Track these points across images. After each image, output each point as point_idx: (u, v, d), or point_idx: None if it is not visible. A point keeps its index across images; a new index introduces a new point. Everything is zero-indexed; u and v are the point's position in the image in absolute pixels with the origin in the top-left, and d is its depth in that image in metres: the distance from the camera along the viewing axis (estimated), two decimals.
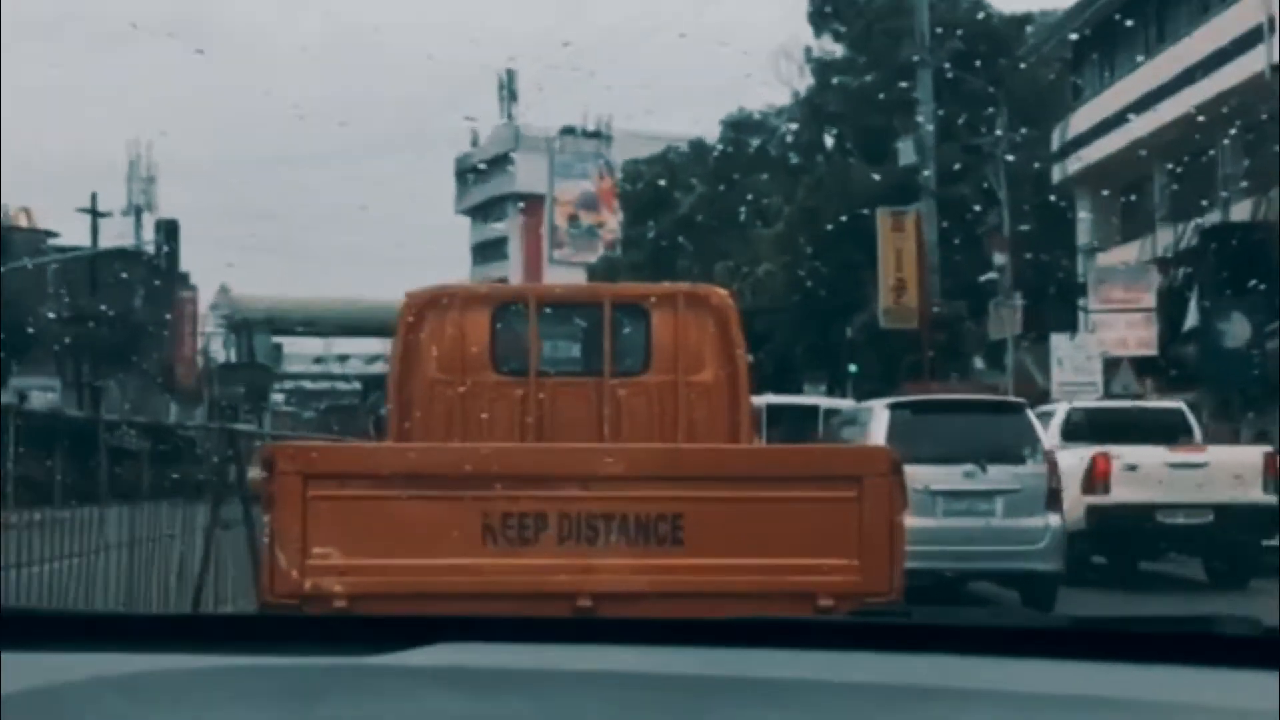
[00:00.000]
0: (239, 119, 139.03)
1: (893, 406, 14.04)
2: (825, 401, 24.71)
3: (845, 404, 23.51)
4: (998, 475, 13.45)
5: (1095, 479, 15.94)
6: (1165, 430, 17.26)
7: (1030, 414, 14.12)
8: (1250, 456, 16.40)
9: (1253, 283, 24.87)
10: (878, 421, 13.62)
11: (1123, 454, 16.15)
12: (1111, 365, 26.56)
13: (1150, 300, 28.46)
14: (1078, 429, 17.27)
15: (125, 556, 8.58)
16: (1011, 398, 19.38)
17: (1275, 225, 26.24)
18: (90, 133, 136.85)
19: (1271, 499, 15.68)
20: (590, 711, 1.63)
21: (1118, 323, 28.40)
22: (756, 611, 5.06)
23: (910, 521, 10.56)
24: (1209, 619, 1.82)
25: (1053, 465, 13.60)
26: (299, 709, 1.65)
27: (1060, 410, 17.93)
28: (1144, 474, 16.04)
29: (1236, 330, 25.83)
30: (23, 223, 48.43)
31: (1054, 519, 13.42)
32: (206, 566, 9.78)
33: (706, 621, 1.86)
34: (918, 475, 12.49)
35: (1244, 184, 28.36)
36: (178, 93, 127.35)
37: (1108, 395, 25.70)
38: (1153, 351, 28.16)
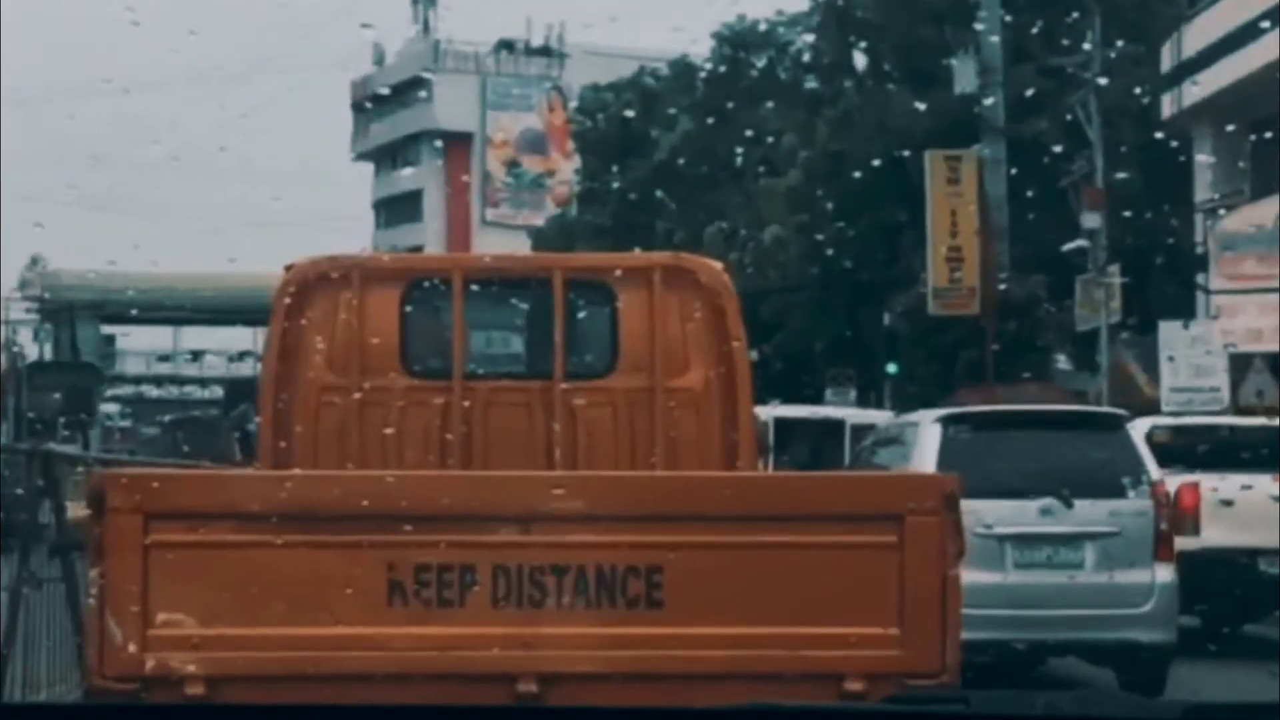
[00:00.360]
0: (52, 27, 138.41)
1: (946, 420, 14.11)
2: (853, 414, 25.02)
3: (880, 417, 23.66)
4: (1088, 513, 13.55)
5: (1182, 516, 16.21)
6: (1271, 455, 17.49)
7: (1131, 430, 14.23)
8: None
9: None
10: (926, 440, 13.76)
11: (1216, 485, 16.61)
12: (1240, 364, 26.61)
13: None
14: (1159, 452, 17.39)
15: None
16: (1106, 409, 19.91)
17: None
18: None
19: None
20: None
21: (1249, 307, 28.45)
22: (761, 698, 5.14)
23: (969, 576, 10.32)
24: None
25: (1163, 499, 13.73)
26: None
27: (1135, 429, 18.05)
28: (1242, 510, 16.46)
29: None
30: None
31: (1164, 572, 13.56)
32: (12, 639, 9.72)
33: (694, 712, 1.87)
34: (980, 513, 12.73)
35: None
36: None
37: (1235, 406, 25.81)
38: None
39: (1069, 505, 13.57)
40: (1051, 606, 13.35)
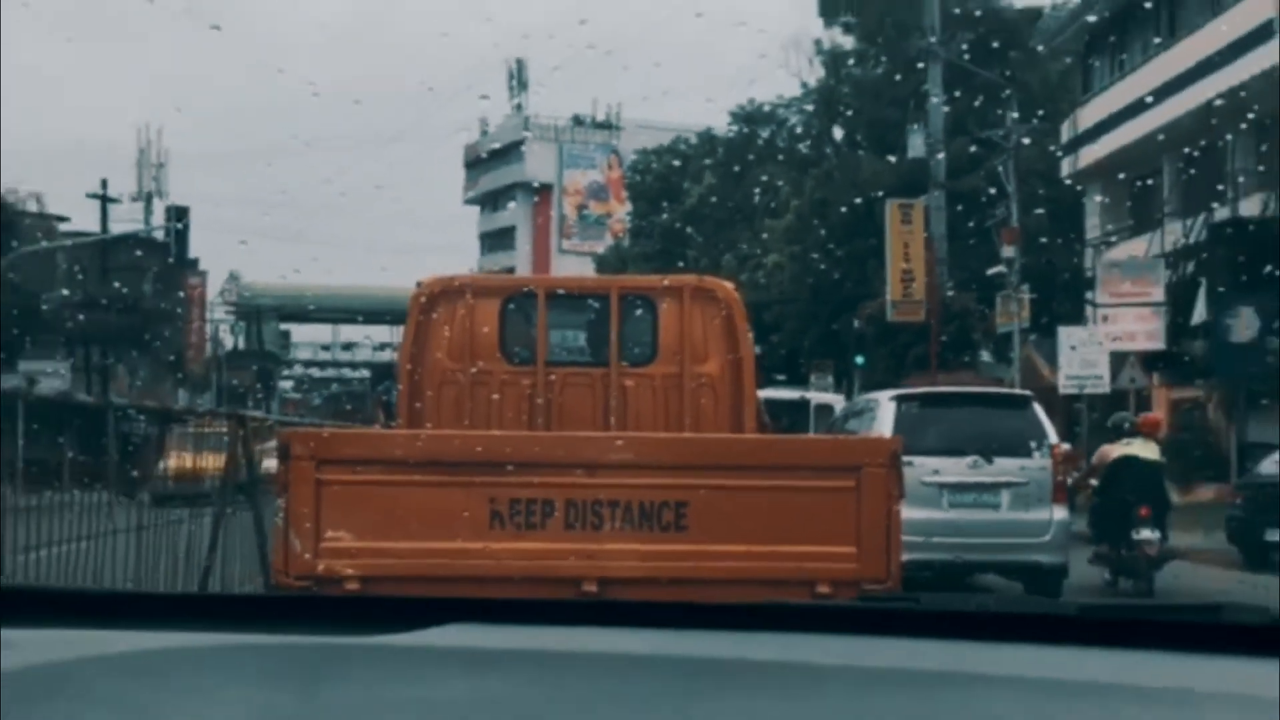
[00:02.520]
0: (251, 99, 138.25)
1: (899, 399, 13.88)
2: (817, 396, 24.33)
3: (835, 399, 23.54)
4: (1003, 468, 13.24)
5: None
6: None
7: (1037, 407, 13.92)
8: None
9: (1264, 275, 24.64)
10: (884, 413, 13.48)
11: None
12: (1118, 359, 26.36)
13: (1159, 294, 28.26)
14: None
15: (133, 541, 8.55)
16: (1018, 390, 19.25)
17: None
18: (94, 117, 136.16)
19: None
20: (595, 692, 1.63)
21: (1126, 316, 28.17)
22: (757, 597, 5.15)
23: (915, 513, 10.80)
24: (1218, 606, 1.83)
25: (1059, 459, 13.39)
26: (309, 687, 1.65)
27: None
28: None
29: (1245, 325, 25.61)
30: (33, 207, 48.14)
31: (1059, 512, 13.23)
32: (214, 549, 9.64)
33: (708, 606, 1.87)
34: (924, 467, 12.67)
35: (1255, 178, 28.20)
36: (187, 73, 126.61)
37: (1114, 389, 25.61)
38: (1160, 345, 27.96)
39: (990, 461, 13.28)
40: (977, 536, 13.04)
